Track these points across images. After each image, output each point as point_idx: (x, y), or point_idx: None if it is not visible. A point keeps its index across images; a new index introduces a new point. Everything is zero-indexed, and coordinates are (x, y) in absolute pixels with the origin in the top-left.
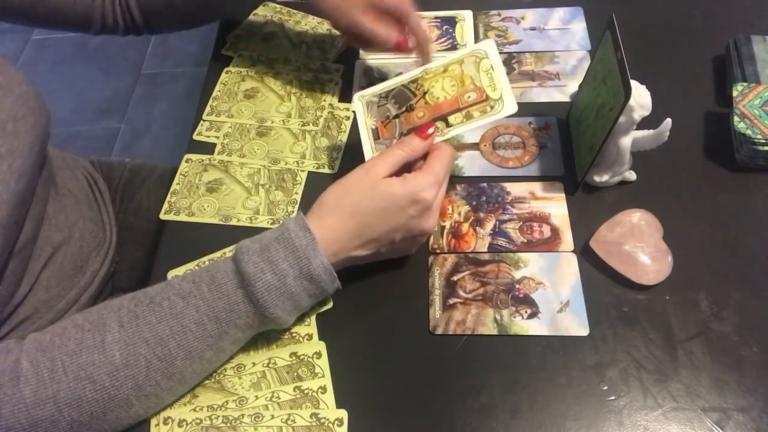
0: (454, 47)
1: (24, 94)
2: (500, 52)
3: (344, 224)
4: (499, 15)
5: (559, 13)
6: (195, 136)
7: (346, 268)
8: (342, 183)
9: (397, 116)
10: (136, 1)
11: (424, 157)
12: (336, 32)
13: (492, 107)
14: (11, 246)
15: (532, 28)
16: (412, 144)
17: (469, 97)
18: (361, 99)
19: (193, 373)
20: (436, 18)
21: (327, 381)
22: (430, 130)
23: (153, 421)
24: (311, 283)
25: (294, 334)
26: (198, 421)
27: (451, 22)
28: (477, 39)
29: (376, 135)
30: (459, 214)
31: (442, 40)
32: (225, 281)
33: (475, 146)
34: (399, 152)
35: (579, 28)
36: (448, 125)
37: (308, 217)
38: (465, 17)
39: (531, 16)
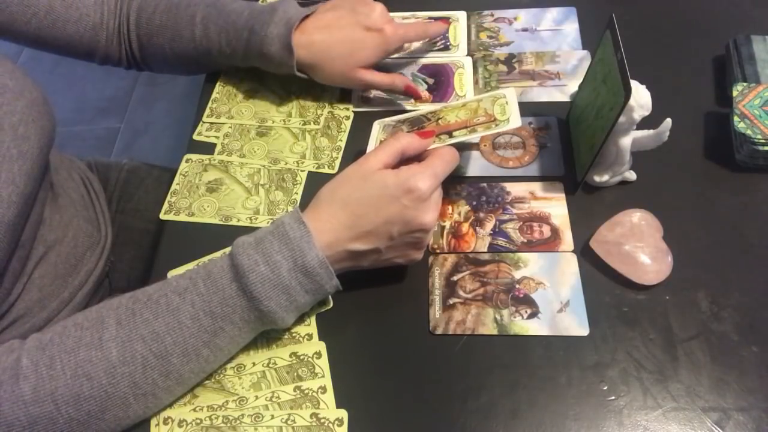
0: (447, 48)
1: (35, 99)
2: (492, 54)
3: (336, 214)
4: (491, 15)
5: (552, 13)
6: (195, 136)
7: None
8: (337, 177)
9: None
10: (138, 47)
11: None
12: None
13: (497, 125)
14: (14, 247)
15: (524, 29)
16: (408, 137)
17: (478, 120)
18: (379, 123)
19: (191, 373)
20: (430, 18)
21: (327, 381)
22: (430, 137)
23: (153, 421)
24: (306, 277)
25: (294, 334)
26: (198, 421)
27: (445, 22)
28: (470, 40)
29: None
30: (459, 214)
31: (436, 40)
32: (220, 276)
33: (475, 146)
34: (393, 143)
35: (571, 29)
36: (450, 137)
37: (304, 212)
38: (459, 18)
39: (524, 16)
